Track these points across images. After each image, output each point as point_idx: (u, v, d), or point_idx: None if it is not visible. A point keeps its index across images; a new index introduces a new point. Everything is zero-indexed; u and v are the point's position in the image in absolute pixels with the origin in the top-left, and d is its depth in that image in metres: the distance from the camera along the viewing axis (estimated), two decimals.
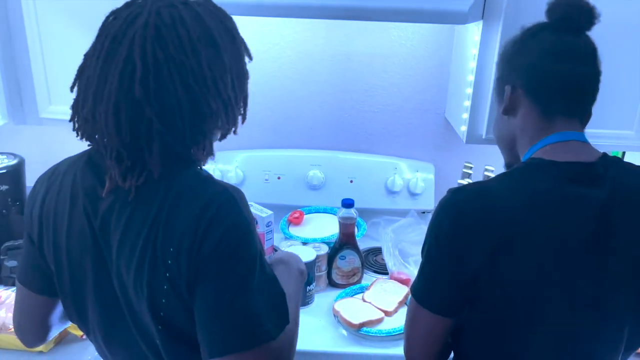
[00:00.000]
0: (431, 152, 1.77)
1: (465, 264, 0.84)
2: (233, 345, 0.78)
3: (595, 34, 0.90)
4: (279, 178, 1.71)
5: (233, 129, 0.89)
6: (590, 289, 0.84)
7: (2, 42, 1.41)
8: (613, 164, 0.88)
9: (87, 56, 0.81)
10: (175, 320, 0.84)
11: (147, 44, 0.76)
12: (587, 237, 0.83)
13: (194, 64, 0.78)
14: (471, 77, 1.38)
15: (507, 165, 1.02)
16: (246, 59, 0.90)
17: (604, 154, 0.89)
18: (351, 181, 1.70)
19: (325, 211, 1.70)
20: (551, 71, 0.88)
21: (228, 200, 0.81)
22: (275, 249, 1.54)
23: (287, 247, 1.44)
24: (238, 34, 0.88)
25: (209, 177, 0.85)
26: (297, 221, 1.65)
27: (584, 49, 0.89)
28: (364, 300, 1.38)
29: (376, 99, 1.73)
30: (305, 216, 1.67)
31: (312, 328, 1.31)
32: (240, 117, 0.89)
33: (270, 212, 1.50)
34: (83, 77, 0.81)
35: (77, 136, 0.84)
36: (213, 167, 1.69)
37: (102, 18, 0.81)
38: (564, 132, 0.89)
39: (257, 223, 1.49)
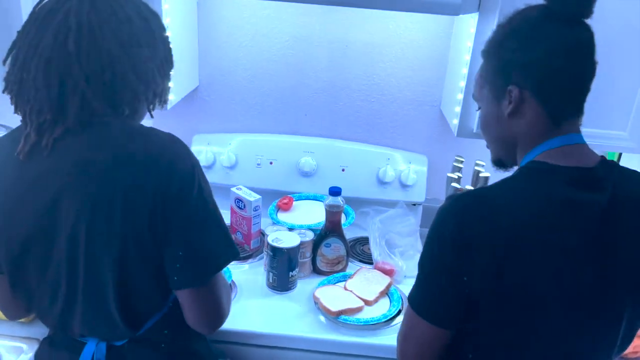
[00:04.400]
0: (425, 144, 1.76)
1: (471, 273, 0.82)
2: (201, 271, 0.92)
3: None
4: (271, 163, 1.71)
5: (161, 100, 0.97)
6: (591, 294, 0.84)
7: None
8: (613, 169, 0.87)
9: (19, 33, 0.87)
10: (130, 271, 0.89)
11: (82, 11, 0.83)
12: (590, 242, 0.83)
13: (127, 29, 0.86)
14: (465, 70, 1.36)
15: (496, 161, 1.00)
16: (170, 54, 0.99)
17: (603, 158, 0.88)
18: (343, 170, 1.70)
19: (315, 198, 1.70)
20: (562, 71, 0.85)
21: (181, 143, 0.90)
22: (262, 233, 1.55)
23: (273, 232, 1.44)
24: (160, 26, 0.96)
25: (153, 128, 0.91)
26: (286, 207, 1.65)
27: (589, 41, 0.86)
28: (346, 289, 1.39)
29: (373, 88, 1.72)
30: (294, 202, 1.67)
31: (293, 313, 1.32)
32: (158, 98, 0.97)
33: (258, 196, 1.51)
34: (14, 49, 0.87)
35: (14, 111, 0.89)
36: (206, 149, 1.70)
37: None
38: (570, 135, 0.87)
39: (244, 207, 1.50)
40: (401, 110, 1.74)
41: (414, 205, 1.72)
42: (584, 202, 0.82)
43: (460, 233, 0.82)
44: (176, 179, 0.86)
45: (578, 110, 0.89)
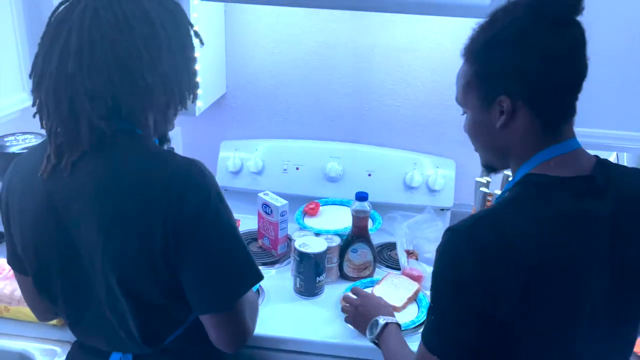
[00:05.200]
0: (453, 149, 1.74)
1: (498, 306, 0.77)
2: (223, 299, 0.91)
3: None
4: (297, 169, 1.72)
5: (180, 105, 0.93)
6: (607, 305, 0.82)
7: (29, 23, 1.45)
8: (611, 171, 0.84)
9: (40, 44, 0.87)
10: (145, 292, 0.89)
11: (84, 24, 0.81)
12: (604, 249, 0.81)
13: (127, 40, 0.82)
14: None
15: (486, 166, 0.96)
16: (196, 43, 0.94)
17: (597, 159, 0.85)
18: (369, 174, 1.69)
19: (341, 203, 1.70)
20: (556, 77, 0.80)
21: (196, 169, 0.87)
22: (289, 239, 1.56)
23: (300, 237, 1.44)
24: (181, 14, 0.91)
25: (169, 151, 0.91)
26: (312, 212, 1.65)
27: (581, 41, 0.81)
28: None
29: (399, 92, 1.71)
30: (321, 207, 1.67)
31: (320, 319, 1.31)
32: (188, 94, 0.93)
33: (285, 201, 1.51)
34: (37, 62, 0.86)
35: (41, 127, 0.88)
36: (233, 155, 1.71)
37: None
38: (566, 142, 0.83)
39: (271, 212, 1.50)
40: (428, 114, 1.73)
41: (442, 210, 1.70)
42: (592, 212, 0.80)
43: (482, 267, 0.77)
44: (188, 208, 0.84)
45: (572, 113, 0.84)
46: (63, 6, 0.86)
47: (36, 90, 0.85)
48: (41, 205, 0.88)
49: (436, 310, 0.83)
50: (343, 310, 1.28)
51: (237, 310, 0.92)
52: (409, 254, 1.45)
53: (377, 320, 1.12)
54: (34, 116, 0.88)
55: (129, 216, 0.84)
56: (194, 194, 0.84)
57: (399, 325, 1.13)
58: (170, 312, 0.94)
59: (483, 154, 0.94)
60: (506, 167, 0.92)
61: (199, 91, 0.99)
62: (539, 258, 0.77)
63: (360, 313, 1.19)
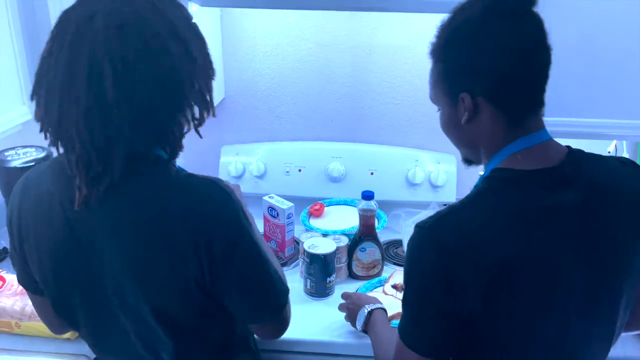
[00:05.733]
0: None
1: (462, 301, 0.79)
2: (270, 313, 0.96)
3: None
4: (300, 170, 1.72)
5: (203, 121, 0.89)
6: (586, 293, 0.83)
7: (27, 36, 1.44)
8: (582, 161, 0.85)
9: (44, 60, 0.79)
10: (180, 316, 0.88)
11: (111, 44, 0.74)
12: (575, 241, 0.81)
13: (163, 59, 0.77)
14: None
15: (465, 160, 0.98)
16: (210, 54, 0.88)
17: (569, 149, 0.86)
18: (372, 173, 1.70)
19: (345, 203, 1.70)
20: (514, 72, 0.80)
21: (221, 191, 0.85)
22: (296, 241, 1.56)
23: (307, 238, 1.44)
24: (195, 24, 0.87)
25: (190, 174, 0.86)
26: (317, 213, 1.65)
27: (539, 32, 0.82)
28: (386, 293, 1.38)
29: (397, 90, 1.72)
30: (325, 208, 1.68)
31: (333, 319, 1.31)
32: (207, 109, 0.88)
33: (291, 204, 1.51)
34: (43, 83, 0.79)
35: (49, 144, 0.82)
36: (235, 160, 1.71)
37: None
38: (533, 135, 0.84)
39: (277, 215, 1.50)
40: (428, 111, 1.71)
41: (445, 205, 1.71)
42: (560, 204, 0.80)
43: (443, 267, 0.78)
44: (221, 235, 0.83)
45: (538, 105, 0.84)
46: (68, 17, 0.78)
47: (58, 114, 0.78)
48: (62, 234, 0.85)
49: (407, 304, 0.85)
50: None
51: (281, 317, 0.99)
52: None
53: (362, 311, 1.16)
54: (41, 132, 0.82)
55: (159, 246, 0.82)
56: (226, 215, 0.84)
57: (383, 309, 1.17)
58: (206, 333, 0.94)
59: (459, 148, 0.96)
60: (481, 161, 0.93)
61: None
62: (502, 256, 0.78)
63: (351, 310, 1.22)
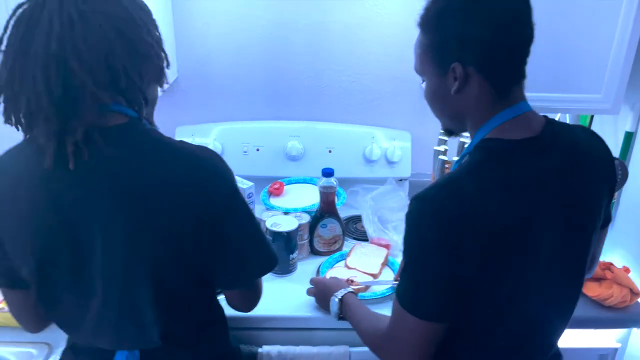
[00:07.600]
0: (408, 121, 1.80)
1: (460, 267, 0.82)
2: (258, 272, 0.99)
3: None
4: (257, 150, 1.72)
5: (165, 77, 0.93)
6: (564, 245, 0.90)
7: None
8: (557, 129, 0.91)
9: (6, 46, 0.80)
10: (172, 281, 0.89)
11: (69, 4, 0.78)
12: (558, 202, 0.87)
13: (120, 10, 0.82)
14: None
15: (446, 131, 1.01)
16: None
17: (546, 119, 0.92)
18: (330, 151, 1.72)
19: (305, 181, 1.72)
20: (503, 43, 0.85)
21: (217, 157, 0.90)
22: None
23: (269, 217, 1.45)
24: (145, 4, 0.91)
25: (178, 142, 0.88)
26: (277, 192, 1.66)
27: (526, 6, 0.86)
28: (348, 267, 1.42)
29: (353, 68, 1.74)
30: (285, 187, 1.69)
31: (297, 294, 1.34)
32: (164, 61, 0.92)
33: (251, 183, 1.51)
34: (7, 57, 0.79)
35: (5, 121, 0.82)
36: (190, 141, 1.68)
37: None
38: (518, 106, 0.89)
39: None
40: (383, 88, 1.77)
41: (401, 180, 1.76)
42: (544, 170, 0.86)
43: (445, 233, 0.81)
44: (221, 198, 0.88)
45: (521, 76, 0.90)
46: (25, 7, 0.80)
47: (19, 80, 0.78)
48: (45, 210, 0.82)
49: (407, 271, 0.88)
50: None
51: (259, 282, 1.04)
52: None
53: (332, 300, 1.19)
54: (7, 118, 0.81)
55: (158, 211, 0.82)
56: (226, 183, 0.89)
57: (352, 292, 1.21)
58: (192, 304, 0.95)
59: (442, 119, 0.99)
60: (464, 131, 0.97)
61: None
62: (500, 223, 0.83)
63: (320, 299, 1.27)
